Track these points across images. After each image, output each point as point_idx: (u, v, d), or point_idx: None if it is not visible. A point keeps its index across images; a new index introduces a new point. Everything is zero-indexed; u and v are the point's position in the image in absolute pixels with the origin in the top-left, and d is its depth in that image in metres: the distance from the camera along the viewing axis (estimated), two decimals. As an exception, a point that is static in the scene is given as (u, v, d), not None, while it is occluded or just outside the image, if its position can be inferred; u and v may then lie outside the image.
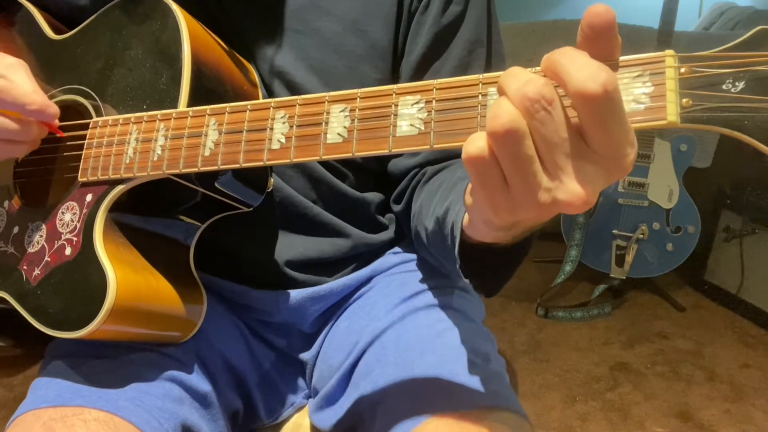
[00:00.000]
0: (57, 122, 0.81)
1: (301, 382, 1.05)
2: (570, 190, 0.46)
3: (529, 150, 0.46)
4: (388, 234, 1.04)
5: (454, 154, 0.91)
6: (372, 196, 1.01)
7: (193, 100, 0.74)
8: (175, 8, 0.78)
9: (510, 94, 0.46)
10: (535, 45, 2.80)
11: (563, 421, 2.04)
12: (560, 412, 2.08)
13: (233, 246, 0.95)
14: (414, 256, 1.04)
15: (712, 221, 2.72)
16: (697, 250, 2.65)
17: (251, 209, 0.87)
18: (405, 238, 1.06)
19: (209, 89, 0.77)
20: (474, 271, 0.72)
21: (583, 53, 0.45)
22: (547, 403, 2.12)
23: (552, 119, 0.45)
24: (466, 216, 0.66)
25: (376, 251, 1.03)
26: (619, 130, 0.45)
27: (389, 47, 0.93)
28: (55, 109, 0.79)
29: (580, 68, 0.44)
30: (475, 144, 0.47)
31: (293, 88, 0.90)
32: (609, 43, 0.46)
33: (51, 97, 0.87)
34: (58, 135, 0.82)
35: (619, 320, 2.64)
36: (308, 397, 1.04)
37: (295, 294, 0.96)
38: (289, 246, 0.95)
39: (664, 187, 2.57)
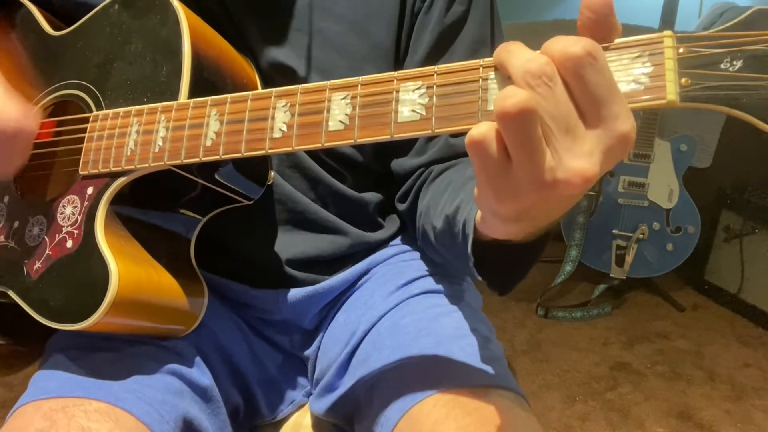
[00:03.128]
0: (40, 122, 0.82)
1: (301, 379, 1.05)
2: (569, 167, 0.46)
3: (538, 130, 0.46)
4: (386, 232, 1.04)
5: (461, 153, 0.92)
6: (371, 196, 1.01)
7: (194, 93, 0.74)
8: (175, 2, 0.78)
9: (513, 70, 0.48)
10: (535, 45, 2.79)
11: (563, 421, 2.04)
12: (560, 412, 2.08)
13: (233, 245, 0.95)
14: (410, 247, 1.05)
15: (712, 221, 2.72)
16: (697, 250, 2.66)
17: (252, 203, 0.87)
18: (403, 235, 1.06)
19: (209, 82, 0.77)
20: (486, 269, 0.72)
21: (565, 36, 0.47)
22: (547, 403, 2.12)
23: (553, 94, 0.46)
24: (479, 213, 0.66)
25: (374, 249, 1.04)
26: (609, 95, 0.46)
27: (391, 48, 0.93)
28: (34, 126, 0.80)
29: (561, 40, 0.46)
30: (478, 129, 0.48)
31: None
32: (608, 26, 0.47)
33: (50, 93, 0.87)
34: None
35: (619, 320, 2.65)
36: (309, 394, 1.04)
37: (295, 292, 0.96)
38: (289, 244, 0.95)
39: (664, 187, 2.57)
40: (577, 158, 0.46)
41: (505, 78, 0.51)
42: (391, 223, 1.06)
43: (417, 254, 1.03)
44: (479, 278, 0.73)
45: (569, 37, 0.46)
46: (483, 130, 0.48)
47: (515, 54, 0.49)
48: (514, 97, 0.45)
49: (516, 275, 0.73)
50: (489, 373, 0.80)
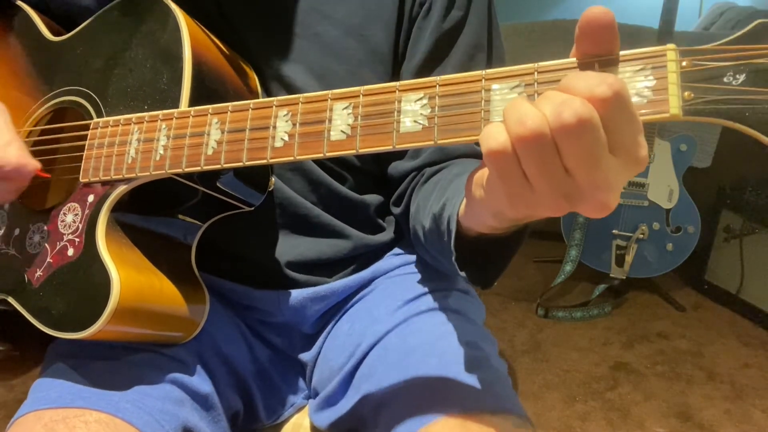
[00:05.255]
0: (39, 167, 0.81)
1: (301, 382, 1.05)
2: (594, 198, 0.46)
3: (555, 159, 0.46)
4: (387, 235, 1.04)
5: (453, 156, 0.92)
6: (371, 198, 1.01)
7: (195, 100, 0.74)
8: (175, 8, 0.78)
9: (550, 107, 0.45)
10: (535, 45, 2.80)
11: (563, 421, 2.04)
12: (560, 412, 2.08)
13: (234, 246, 0.95)
14: (415, 257, 1.05)
15: (712, 221, 2.71)
16: (697, 250, 2.65)
17: (253, 209, 0.87)
18: (404, 239, 1.06)
19: (210, 89, 0.77)
20: (469, 263, 0.72)
21: (587, 72, 0.46)
22: (547, 403, 2.12)
23: (585, 135, 0.45)
24: (462, 207, 0.66)
25: (375, 252, 1.04)
26: (632, 128, 0.45)
27: (389, 52, 0.93)
28: (32, 166, 0.79)
29: (586, 79, 0.44)
30: (497, 139, 0.47)
31: (293, 93, 0.89)
32: (608, 41, 0.46)
33: (50, 99, 0.87)
34: (43, 177, 0.83)
35: (619, 320, 2.64)
36: (308, 397, 1.04)
37: (296, 294, 0.96)
38: (290, 247, 0.95)
39: (664, 187, 2.57)
40: (602, 189, 0.46)
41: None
42: (392, 226, 1.06)
43: (420, 266, 1.03)
44: (462, 274, 0.73)
45: (592, 78, 0.45)
46: (502, 141, 0.47)
47: (572, 85, 0.46)
48: (530, 122, 0.44)
49: (497, 268, 0.73)
50: (495, 397, 0.80)
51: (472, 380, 0.81)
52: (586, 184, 0.46)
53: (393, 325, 0.92)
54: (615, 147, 0.46)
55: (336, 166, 0.96)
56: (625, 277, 2.68)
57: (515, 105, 0.46)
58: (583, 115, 0.44)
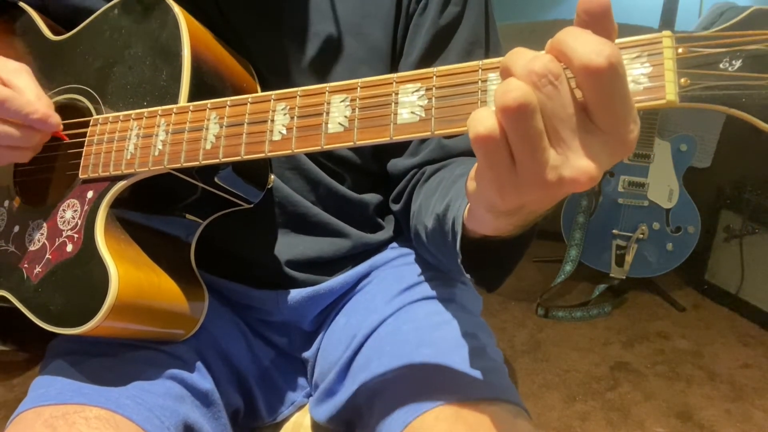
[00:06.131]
0: (61, 126, 0.82)
1: (301, 380, 1.05)
2: (576, 166, 0.46)
3: (539, 125, 0.46)
4: (386, 233, 1.04)
5: (453, 154, 0.92)
6: (370, 197, 1.01)
7: (194, 97, 0.74)
8: (174, 6, 0.78)
9: (517, 70, 0.46)
10: (535, 45, 2.79)
11: (563, 421, 2.04)
12: (560, 412, 2.08)
13: (233, 246, 0.95)
14: (412, 250, 1.05)
15: (712, 221, 2.72)
16: (697, 250, 2.65)
17: (252, 206, 0.87)
18: (403, 236, 1.06)
19: (209, 85, 0.77)
20: (475, 266, 0.72)
21: (587, 31, 0.45)
22: (547, 403, 2.12)
23: (558, 94, 0.45)
24: (467, 210, 0.66)
25: (374, 250, 1.04)
26: (623, 106, 0.45)
27: (388, 49, 0.93)
28: (57, 119, 0.80)
29: (584, 43, 0.44)
30: (484, 124, 0.47)
31: None
32: (605, 28, 0.46)
33: (51, 98, 0.87)
34: (63, 140, 0.83)
35: (619, 320, 2.64)
36: (309, 395, 1.04)
37: (295, 293, 0.96)
38: (289, 246, 0.95)
39: (664, 187, 2.57)
40: (584, 158, 0.46)
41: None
42: (391, 224, 1.06)
43: (417, 257, 1.03)
44: (467, 276, 0.72)
45: (591, 42, 0.44)
46: (489, 125, 0.47)
47: (519, 54, 0.47)
48: (515, 90, 0.45)
49: (503, 271, 0.73)
50: (490, 386, 0.80)
51: (467, 369, 0.81)
52: (569, 149, 0.46)
53: (387, 315, 0.93)
54: (602, 119, 0.46)
55: (334, 165, 0.96)
56: (625, 277, 2.68)
57: (503, 82, 0.47)
58: (552, 68, 0.45)
